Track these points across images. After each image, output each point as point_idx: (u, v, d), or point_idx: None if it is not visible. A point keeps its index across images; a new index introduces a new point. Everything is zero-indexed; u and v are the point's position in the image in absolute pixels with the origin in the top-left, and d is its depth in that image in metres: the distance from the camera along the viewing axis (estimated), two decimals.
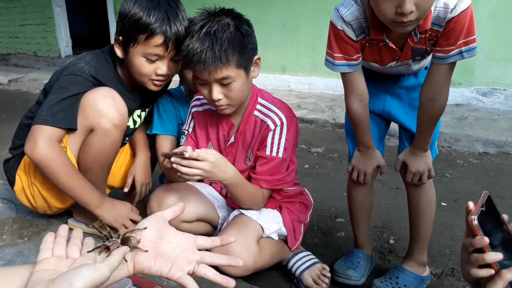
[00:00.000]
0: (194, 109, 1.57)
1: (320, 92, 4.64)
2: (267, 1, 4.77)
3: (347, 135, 1.61)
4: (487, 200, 0.84)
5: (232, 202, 1.53)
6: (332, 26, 1.32)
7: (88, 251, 0.79)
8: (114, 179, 1.79)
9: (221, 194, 1.62)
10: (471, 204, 0.83)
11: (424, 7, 1.12)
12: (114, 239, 0.80)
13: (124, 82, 1.60)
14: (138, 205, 1.75)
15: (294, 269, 1.55)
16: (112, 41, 1.55)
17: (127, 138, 1.76)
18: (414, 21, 1.15)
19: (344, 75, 1.39)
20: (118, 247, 0.78)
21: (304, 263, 1.55)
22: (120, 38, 1.49)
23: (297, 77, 4.84)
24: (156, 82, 1.53)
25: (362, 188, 1.61)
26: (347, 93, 1.42)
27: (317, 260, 1.58)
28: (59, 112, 1.42)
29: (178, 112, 1.77)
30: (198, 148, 1.51)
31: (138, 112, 1.72)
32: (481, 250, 0.80)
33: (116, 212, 1.57)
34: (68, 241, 0.82)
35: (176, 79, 1.76)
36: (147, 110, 1.77)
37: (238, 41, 1.31)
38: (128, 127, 1.65)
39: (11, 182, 1.62)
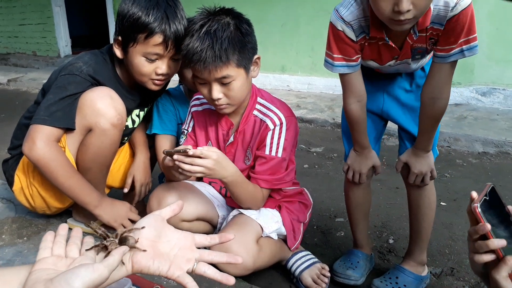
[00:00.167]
0: (193, 109, 1.57)
1: (320, 92, 4.64)
2: (267, 0, 4.78)
3: (343, 135, 1.61)
4: (491, 190, 0.85)
5: (232, 202, 1.53)
6: (332, 26, 1.32)
7: (86, 250, 0.78)
8: (114, 179, 1.78)
9: (220, 193, 1.62)
10: (474, 194, 0.85)
11: (421, 5, 1.12)
12: (112, 238, 0.80)
13: (122, 81, 1.60)
14: (137, 205, 1.75)
15: (293, 268, 1.55)
16: (112, 41, 1.55)
17: (126, 138, 1.76)
18: (412, 20, 1.15)
19: (342, 76, 1.39)
20: (116, 247, 0.78)
21: (304, 262, 1.55)
22: (119, 38, 1.48)
23: (297, 77, 4.84)
24: (156, 81, 1.53)
25: (359, 188, 1.60)
26: (345, 93, 1.42)
27: (316, 259, 1.58)
28: (57, 111, 1.42)
29: (178, 111, 1.77)
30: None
31: (136, 111, 1.72)
32: (485, 238, 0.82)
33: (114, 212, 1.56)
34: (67, 240, 0.82)
35: (175, 78, 1.75)
36: (145, 109, 1.77)
37: (238, 40, 1.31)
38: (126, 126, 1.65)
39: (10, 182, 1.62)
